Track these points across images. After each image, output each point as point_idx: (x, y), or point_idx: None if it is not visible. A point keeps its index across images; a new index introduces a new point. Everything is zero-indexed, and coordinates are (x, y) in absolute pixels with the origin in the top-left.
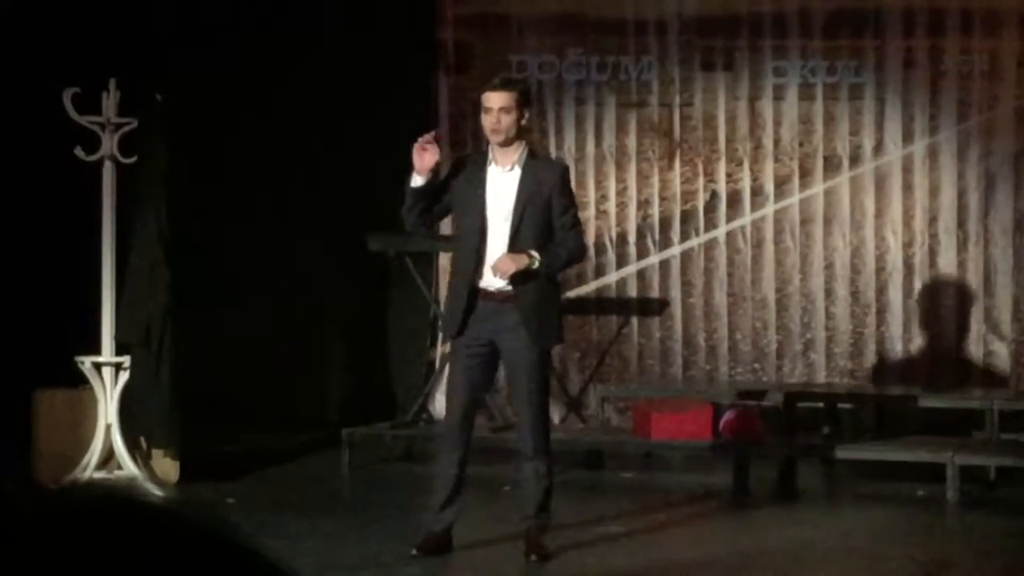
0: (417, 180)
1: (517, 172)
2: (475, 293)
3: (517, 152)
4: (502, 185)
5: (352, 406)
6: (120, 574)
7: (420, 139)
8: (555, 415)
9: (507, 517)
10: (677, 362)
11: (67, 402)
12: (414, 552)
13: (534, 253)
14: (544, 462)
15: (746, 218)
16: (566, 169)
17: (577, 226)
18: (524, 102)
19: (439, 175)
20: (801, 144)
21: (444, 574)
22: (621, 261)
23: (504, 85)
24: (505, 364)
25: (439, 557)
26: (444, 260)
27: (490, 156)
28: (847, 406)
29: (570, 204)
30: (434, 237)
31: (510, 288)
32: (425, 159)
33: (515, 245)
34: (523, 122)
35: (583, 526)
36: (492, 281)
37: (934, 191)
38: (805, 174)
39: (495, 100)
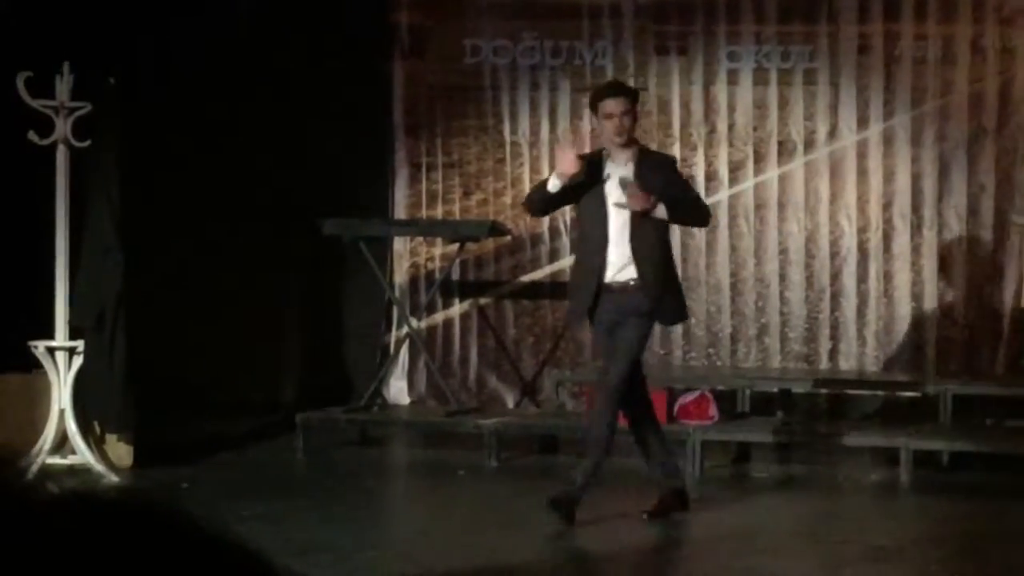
0: (555, 184)
1: (631, 168)
2: (600, 288)
3: (629, 150)
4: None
5: (306, 391)
6: (85, 563)
7: (566, 146)
8: (509, 400)
9: (462, 501)
10: None
11: (20, 387)
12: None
13: (659, 205)
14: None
15: None
16: (674, 160)
17: (700, 199)
18: (636, 104)
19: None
20: (755, 129)
21: (398, 557)
22: (575, 246)
23: (621, 90)
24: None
25: (394, 540)
26: (399, 245)
27: (605, 155)
28: (801, 391)
29: (687, 185)
30: (389, 223)
31: (634, 279)
32: (567, 167)
33: (636, 236)
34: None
35: (538, 512)
36: (616, 276)
37: (888, 176)
38: (759, 159)
39: (618, 105)
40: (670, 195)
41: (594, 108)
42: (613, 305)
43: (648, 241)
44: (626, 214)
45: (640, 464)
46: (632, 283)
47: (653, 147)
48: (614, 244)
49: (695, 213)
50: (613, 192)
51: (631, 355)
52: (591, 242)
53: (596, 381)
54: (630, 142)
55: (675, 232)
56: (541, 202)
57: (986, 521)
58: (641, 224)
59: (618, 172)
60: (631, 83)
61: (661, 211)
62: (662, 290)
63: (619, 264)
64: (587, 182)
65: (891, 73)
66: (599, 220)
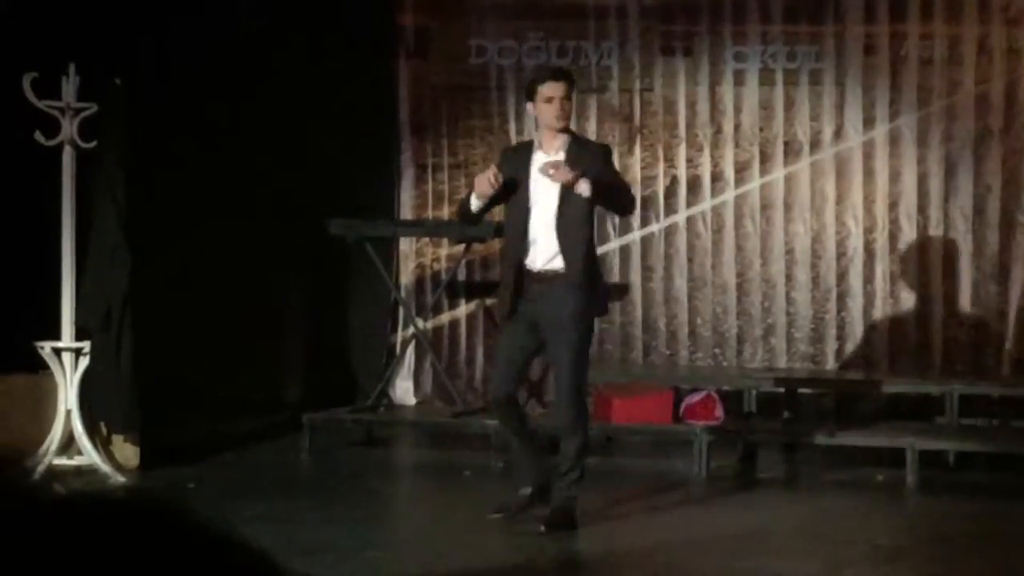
0: (476, 203)
1: (562, 156)
2: (522, 275)
3: (562, 137)
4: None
5: (312, 391)
6: (92, 564)
7: (487, 175)
8: None
9: (467, 501)
10: (637, 347)
11: (27, 388)
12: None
13: (582, 182)
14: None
15: (706, 203)
16: (608, 149)
17: (629, 189)
18: (573, 91)
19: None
20: (761, 129)
21: (403, 557)
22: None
23: (561, 74)
24: (547, 338)
25: (399, 540)
26: (405, 245)
27: (536, 143)
28: (807, 391)
29: (618, 175)
30: (394, 223)
31: (559, 269)
32: (484, 188)
33: (560, 227)
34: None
35: (543, 511)
36: (537, 260)
37: (895, 176)
38: (765, 159)
39: (558, 89)
40: (597, 177)
41: (532, 93)
42: (537, 296)
43: (573, 232)
44: (552, 204)
45: (639, 464)
46: (556, 273)
47: (658, 148)
48: (540, 234)
49: (619, 198)
50: (540, 181)
51: (576, 366)
52: (514, 233)
53: (491, 380)
54: (564, 129)
55: (681, 233)
56: (468, 217)
57: (992, 521)
58: (566, 214)
59: (545, 161)
60: (636, 84)
61: (584, 187)
62: (586, 282)
63: (544, 255)
64: (516, 173)
65: (897, 73)
66: (523, 210)
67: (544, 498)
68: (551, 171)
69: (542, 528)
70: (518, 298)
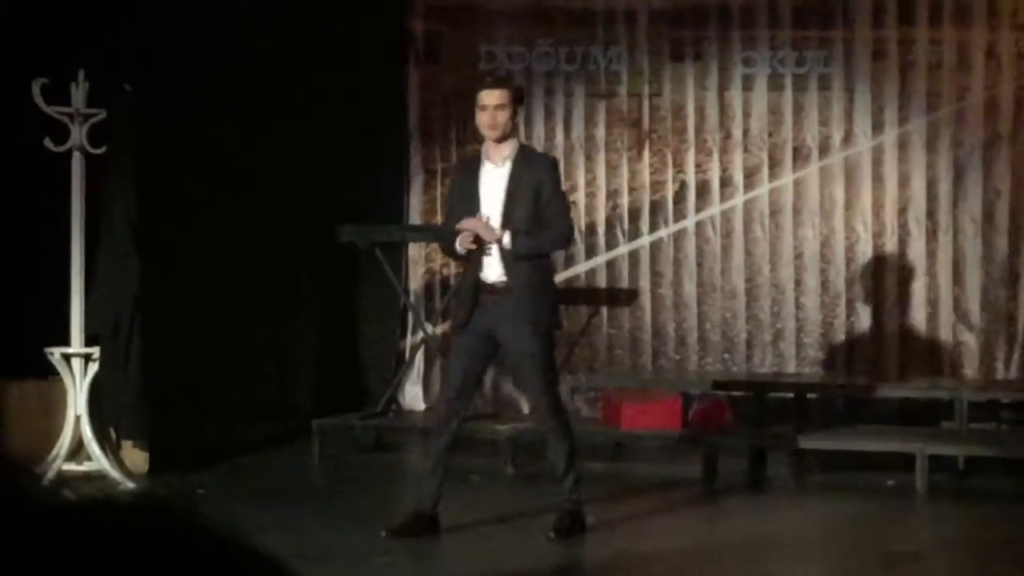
0: (460, 251)
1: (508, 167)
2: (478, 286)
3: (509, 148)
4: (494, 180)
5: (322, 396)
6: (100, 569)
7: (468, 236)
8: (524, 406)
9: (476, 507)
10: (647, 352)
11: (36, 393)
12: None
13: (504, 235)
14: (564, 443)
15: (715, 208)
16: (555, 162)
17: (562, 215)
18: (517, 100)
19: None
20: (770, 134)
21: (413, 563)
22: (590, 251)
23: (498, 83)
24: (507, 354)
25: (409, 546)
26: (414, 250)
27: (483, 154)
28: (816, 396)
29: (555, 194)
30: (404, 228)
31: (505, 279)
32: (466, 244)
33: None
34: (515, 119)
35: (553, 516)
36: (490, 274)
37: (903, 181)
38: (774, 164)
39: (490, 98)
40: (523, 229)
41: (474, 102)
42: (490, 307)
43: None
44: (497, 219)
45: (648, 469)
46: (505, 284)
47: (667, 153)
48: (492, 247)
49: (545, 242)
50: (488, 194)
51: (545, 375)
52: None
53: (440, 395)
54: (505, 137)
55: (690, 238)
56: (454, 257)
57: (1002, 526)
58: (512, 225)
59: (495, 172)
60: (645, 89)
61: (505, 241)
62: (534, 294)
63: (496, 267)
64: (467, 191)
65: (906, 78)
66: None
67: (428, 527)
68: (476, 235)
69: (551, 534)
70: (473, 309)
